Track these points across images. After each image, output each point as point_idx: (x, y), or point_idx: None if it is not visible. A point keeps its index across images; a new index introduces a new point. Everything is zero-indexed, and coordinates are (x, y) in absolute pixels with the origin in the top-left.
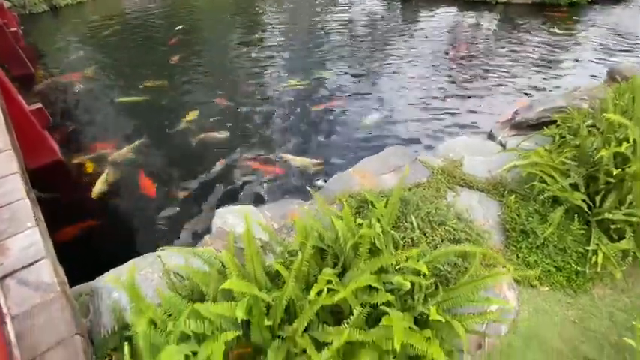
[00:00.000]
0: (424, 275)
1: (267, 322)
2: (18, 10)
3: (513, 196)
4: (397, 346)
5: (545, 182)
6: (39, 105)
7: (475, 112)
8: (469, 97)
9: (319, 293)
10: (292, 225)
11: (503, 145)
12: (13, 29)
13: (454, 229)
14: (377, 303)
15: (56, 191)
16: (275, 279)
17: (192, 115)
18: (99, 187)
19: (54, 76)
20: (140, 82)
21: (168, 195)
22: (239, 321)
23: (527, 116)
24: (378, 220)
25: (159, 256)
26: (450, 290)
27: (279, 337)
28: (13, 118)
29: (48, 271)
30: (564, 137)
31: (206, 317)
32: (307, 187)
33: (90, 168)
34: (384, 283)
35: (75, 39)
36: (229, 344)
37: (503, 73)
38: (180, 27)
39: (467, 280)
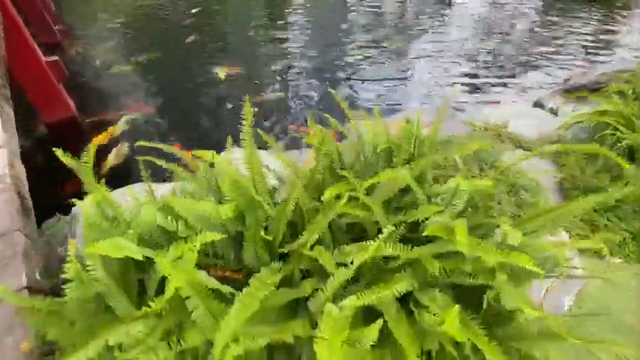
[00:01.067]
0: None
1: (264, 236)
2: None
3: (575, 153)
4: (465, 249)
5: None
6: (55, 57)
7: (514, 87)
8: (508, 76)
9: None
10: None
11: (554, 112)
12: None
13: (507, 174)
14: (419, 219)
15: (67, 149)
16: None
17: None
18: (111, 160)
19: (78, 46)
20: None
21: None
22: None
23: (581, 81)
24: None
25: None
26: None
27: (280, 258)
28: (27, 68)
29: (1, 161)
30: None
31: (181, 217)
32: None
33: (105, 132)
34: (427, 197)
35: (104, 16)
36: (210, 260)
37: (546, 54)
38: (196, 10)
39: (535, 213)
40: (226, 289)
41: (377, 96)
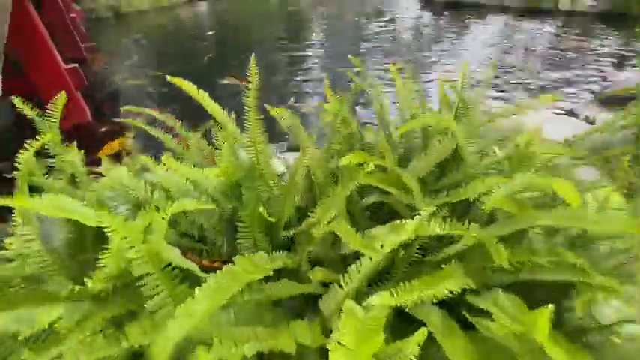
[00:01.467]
0: None
1: (265, 216)
2: (86, 13)
3: (627, 157)
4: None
5: None
6: (75, 65)
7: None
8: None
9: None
10: None
11: (590, 121)
12: (72, 15)
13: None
14: (469, 199)
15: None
16: None
17: None
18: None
19: (102, 62)
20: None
21: None
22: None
23: (618, 91)
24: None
25: None
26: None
27: (285, 248)
28: (46, 73)
29: None
30: None
31: (157, 185)
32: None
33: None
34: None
35: (128, 37)
36: (195, 244)
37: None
38: (212, 32)
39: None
40: (204, 274)
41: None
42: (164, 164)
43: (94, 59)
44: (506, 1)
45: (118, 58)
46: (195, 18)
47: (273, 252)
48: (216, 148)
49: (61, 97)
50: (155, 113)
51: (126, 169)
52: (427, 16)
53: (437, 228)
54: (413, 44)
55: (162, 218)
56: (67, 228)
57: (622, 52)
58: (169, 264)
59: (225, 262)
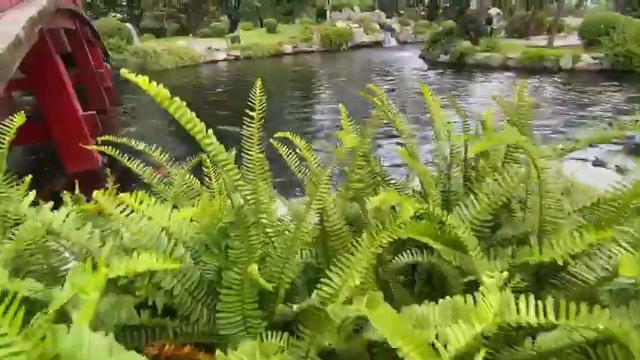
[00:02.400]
0: None
1: (259, 280)
2: (114, 71)
3: None
4: None
5: None
6: (92, 112)
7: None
8: None
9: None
10: None
11: (622, 170)
12: (100, 70)
13: None
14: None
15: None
16: None
17: None
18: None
19: (123, 115)
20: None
21: None
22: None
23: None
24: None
25: None
26: None
27: (285, 327)
28: (63, 119)
29: None
30: None
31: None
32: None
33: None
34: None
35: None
36: (164, 321)
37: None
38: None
39: None
40: None
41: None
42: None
43: (118, 113)
44: (509, 60)
45: (136, 112)
46: (212, 76)
47: (269, 335)
48: (206, 187)
49: (18, 119)
50: (135, 144)
51: (68, 210)
52: (433, 74)
53: (531, 313)
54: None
55: (96, 286)
56: None
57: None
58: None
59: (198, 346)
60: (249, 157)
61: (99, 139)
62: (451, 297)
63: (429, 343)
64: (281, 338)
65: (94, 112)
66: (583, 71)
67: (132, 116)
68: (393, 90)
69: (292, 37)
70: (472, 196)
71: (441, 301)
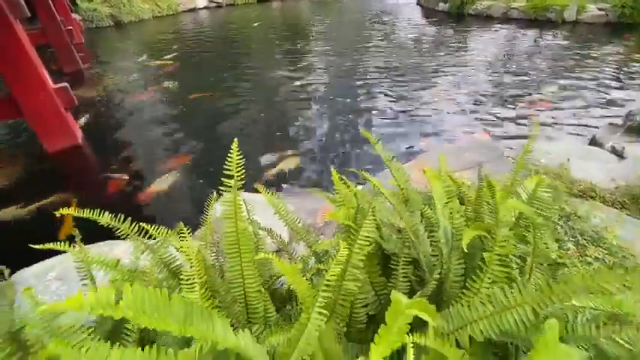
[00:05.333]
0: None
1: None
2: (86, 23)
3: None
4: None
5: None
6: (64, 84)
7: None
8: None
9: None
10: (324, 224)
11: (618, 153)
12: (69, 27)
13: (612, 250)
14: None
15: (69, 178)
16: (286, 305)
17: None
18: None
19: (100, 74)
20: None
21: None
22: None
23: None
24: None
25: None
26: None
27: None
28: (32, 96)
29: None
30: None
31: None
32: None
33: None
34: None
35: (129, 48)
36: None
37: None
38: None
39: None
40: None
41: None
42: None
43: (92, 73)
44: (512, 11)
45: (116, 70)
46: (194, 25)
47: None
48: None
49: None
50: (101, 217)
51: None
52: (430, 27)
53: None
54: (414, 52)
55: None
56: None
57: (634, 66)
58: None
59: None
60: (230, 232)
61: (57, 213)
62: None
63: None
64: None
65: (66, 84)
66: (588, 24)
67: (106, 71)
68: (387, 50)
69: None
70: (472, 299)
71: None
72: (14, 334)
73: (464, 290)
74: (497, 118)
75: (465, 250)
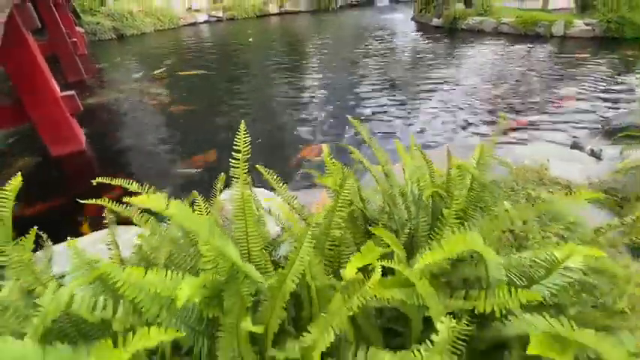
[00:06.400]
0: None
1: (250, 327)
2: (89, 36)
3: None
4: None
5: None
6: (71, 92)
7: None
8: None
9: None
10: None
11: (596, 155)
12: (74, 39)
13: (569, 227)
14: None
15: (73, 182)
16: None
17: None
18: None
19: (103, 86)
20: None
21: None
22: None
23: (626, 122)
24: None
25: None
26: None
27: None
28: (41, 103)
29: None
30: None
31: (121, 294)
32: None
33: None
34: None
35: (130, 59)
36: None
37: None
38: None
39: None
40: None
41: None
42: (131, 273)
43: (95, 82)
44: (502, 26)
45: (118, 81)
46: (194, 39)
47: None
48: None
49: (13, 189)
50: (131, 185)
51: (76, 283)
52: (425, 41)
53: None
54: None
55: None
56: None
57: (616, 77)
58: None
59: None
60: (238, 197)
61: (94, 182)
62: (410, 331)
63: None
64: None
65: (73, 92)
66: (575, 38)
67: (108, 82)
68: (383, 63)
69: None
70: (435, 242)
71: (398, 353)
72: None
73: (429, 240)
74: (484, 122)
75: (427, 203)
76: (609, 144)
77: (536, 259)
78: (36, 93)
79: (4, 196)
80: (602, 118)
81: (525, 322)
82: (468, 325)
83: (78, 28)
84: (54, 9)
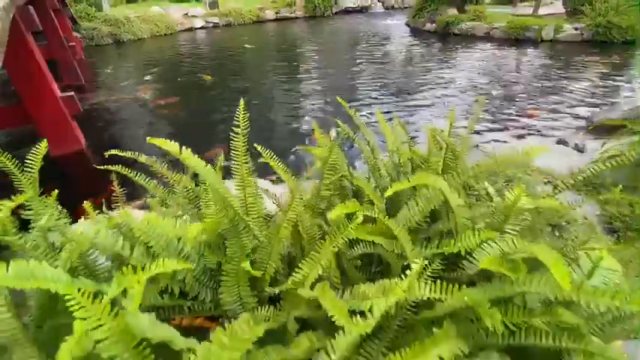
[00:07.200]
0: None
1: (250, 270)
2: (86, 41)
3: (619, 187)
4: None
5: None
6: (70, 93)
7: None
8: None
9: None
10: None
11: (580, 149)
12: (72, 44)
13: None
14: (461, 251)
15: (72, 183)
16: None
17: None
18: None
19: (100, 90)
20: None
21: None
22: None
23: (607, 118)
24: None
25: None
26: None
27: (271, 301)
28: (41, 103)
29: None
30: None
31: (141, 240)
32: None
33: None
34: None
35: (128, 64)
36: (179, 301)
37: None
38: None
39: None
40: (184, 342)
41: None
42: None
43: (93, 86)
44: (494, 30)
45: (116, 85)
46: (190, 44)
47: (259, 308)
48: (204, 188)
49: (41, 150)
50: (139, 157)
51: (104, 224)
52: (418, 45)
53: (427, 291)
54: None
55: (138, 282)
56: (38, 293)
57: (605, 79)
58: (143, 341)
59: (208, 319)
60: (238, 169)
61: (106, 154)
62: (390, 278)
63: (358, 313)
64: (267, 310)
65: (72, 92)
66: (565, 42)
67: (107, 86)
68: (382, 64)
69: (274, 1)
70: (412, 201)
71: (376, 282)
72: None
73: (407, 202)
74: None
75: (406, 169)
76: (592, 139)
77: (495, 207)
78: (36, 94)
79: (32, 158)
80: (587, 116)
81: (482, 254)
82: (439, 266)
83: (75, 33)
84: (52, 14)
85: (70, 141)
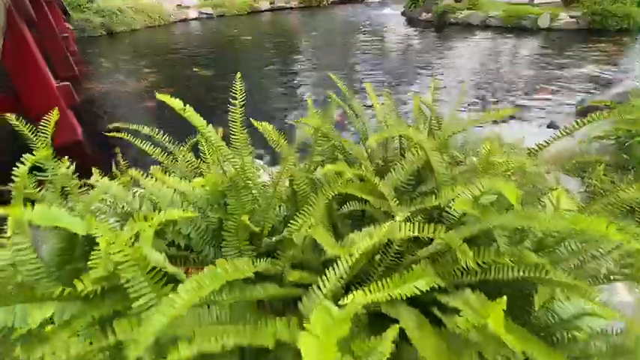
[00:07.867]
0: None
1: (249, 225)
2: (78, 32)
3: (602, 165)
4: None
5: None
6: (66, 83)
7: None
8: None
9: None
10: None
11: (568, 132)
12: (65, 35)
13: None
14: (442, 206)
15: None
16: None
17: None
18: None
19: (94, 80)
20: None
21: None
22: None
23: (596, 102)
24: None
25: None
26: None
27: (268, 256)
28: (37, 93)
29: None
30: None
31: (145, 197)
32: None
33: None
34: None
35: (122, 56)
36: (183, 253)
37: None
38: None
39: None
40: (171, 269)
41: None
42: (152, 177)
43: (87, 78)
44: (489, 19)
45: (110, 77)
46: (184, 36)
47: (258, 259)
48: (202, 161)
49: (54, 114)
50: (142, 128)
51: (115, 181)
52: (414, 35)
53: (406, 230)
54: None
55: (149, 226)
56: (58, 238)
57: (600, 66)
58: (155, 268)
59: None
60: (235, 138)
61: (110, 126)
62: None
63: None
64: (265, 260)
65: (68, 83)
66: (560, 30)
67: (100, 76)
68: (378, 55)
69: None
70: (399, 165)
71: (363, 229)
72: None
73: (394, 167)
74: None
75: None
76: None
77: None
78: (32, 84)
79: (45, 125)
80: (577, 101)
81: (457, 202)
82: (422, 220)
83: (67, 25)
84: (44, 6)
85: (67, 131)
